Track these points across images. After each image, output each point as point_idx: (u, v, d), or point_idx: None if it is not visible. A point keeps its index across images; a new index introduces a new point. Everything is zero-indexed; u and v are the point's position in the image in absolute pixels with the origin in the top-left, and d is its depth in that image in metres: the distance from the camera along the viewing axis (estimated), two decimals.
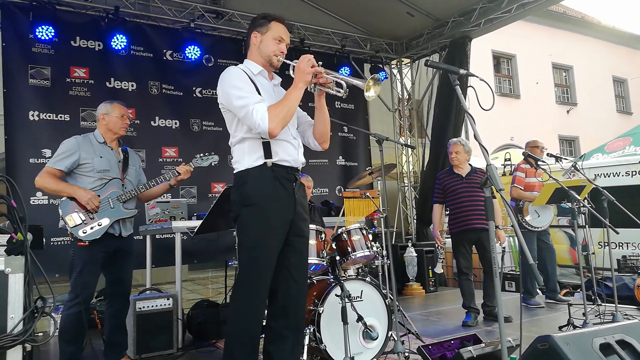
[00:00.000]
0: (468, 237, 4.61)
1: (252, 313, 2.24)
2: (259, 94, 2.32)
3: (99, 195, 3.22)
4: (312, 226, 3.34)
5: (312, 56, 2.33)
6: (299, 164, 2.45)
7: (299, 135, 2.54)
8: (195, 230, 3.44)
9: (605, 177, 7.38)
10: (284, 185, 2.34)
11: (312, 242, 3.27)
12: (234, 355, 2.21)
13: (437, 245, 4.88)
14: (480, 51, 15.94)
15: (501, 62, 17.46)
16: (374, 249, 3.49)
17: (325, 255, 3.32)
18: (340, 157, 7.66)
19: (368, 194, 3.89)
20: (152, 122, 6.14)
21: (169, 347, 3.80)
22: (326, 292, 3.10)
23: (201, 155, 3.53)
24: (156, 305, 3.79)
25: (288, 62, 2.42)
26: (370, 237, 3.53)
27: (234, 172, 2.40)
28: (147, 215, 4.66)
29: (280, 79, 2.57)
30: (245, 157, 2.34)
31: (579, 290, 5.77)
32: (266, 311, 2.42)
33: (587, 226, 4.65)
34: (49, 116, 5.49)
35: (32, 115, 5.38)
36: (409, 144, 3.59)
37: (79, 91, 5.69)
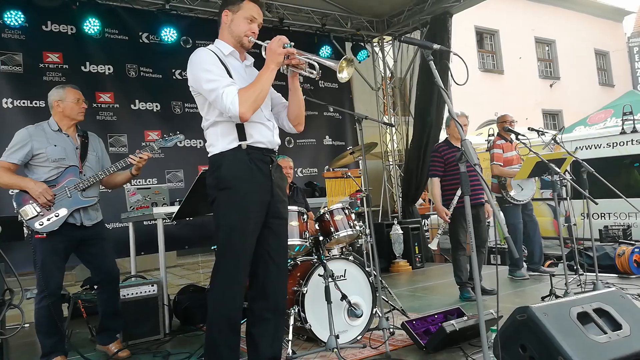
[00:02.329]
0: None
1: (231, 297, 2.22)
2: (230, 76, 2.26)
3: (54, 185, 3.12)
4: (294, 207, 3.34)
5: (284, 37, 2.27)
6: (274, 146, 2.41)
7: (273, 117, 2.49)
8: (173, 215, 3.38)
9: (586, 149, 7.45)
10: (260, 168, 2.31)
11: (295, 223, 3.27)
12: (215, 339, 2.21)
13: (437, 222, 4.80)
14: (463, 27, 15.88)
15: (484, 37, 17.42)
16: (357, 228, 3.49)
17: (307, 236, 3.31)
18: (327, 137, 7.63)
19: (349, 173, 3.87)
20: (132, 106, 6.02)
21: (155, 333, 3.79)
22: (309, 272, 3.10)
23: (165, 136, 3.41)
24: (140, 292, 3.77)
25: (260, 42, 2.36)
26: (353, 216, 3.53)
27: (209, 155, 2.36)
28: (128, 202, 4.60)
29: (253, 60, 2.50)
30: (219, 140, 2.30)
31: (562, 261, 5.86)
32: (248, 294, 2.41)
33: (568, 198, 4.71)
34: (24, 103, 5.34)
35: (6, 103, 5.24)
36: (389, 122, 3.53)
37: (54, 76, 5.53)
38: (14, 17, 5.16)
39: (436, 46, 2.05)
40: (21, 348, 4.03)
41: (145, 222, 5.30)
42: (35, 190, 3.03)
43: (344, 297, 3.05)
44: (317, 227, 3.48)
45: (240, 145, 2.27)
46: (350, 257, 3.31)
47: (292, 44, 2.28)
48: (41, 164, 3.15)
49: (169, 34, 6.01)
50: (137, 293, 3.75)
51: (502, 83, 17.08)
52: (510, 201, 5.31)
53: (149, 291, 3.80)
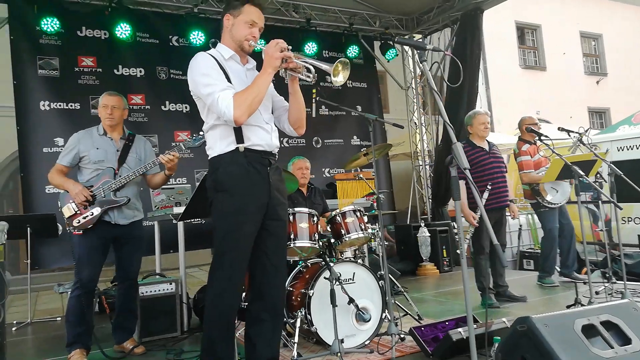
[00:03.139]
0: (493, 215, 4.38)
1: (227, 297, 2.25)
2: (229, 80, 2.27)
3: (91, 186, 3.31)
4: (304, 209, 3.34)
5: (282, 40, 2.26)
6: (272, 148, 2.41)
7: (274, 120, 2.49)
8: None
9: (628, 149, 7.08)
10: (258, 170, 2.31)
11: (305, 225, 3.26)
12: (211, 338, 2.25)
13: (453, 226, 4.64)
14: (503, 23, 15.43)
15: (525, 33, 16.85)
16: (369, 230, 3.45)
17: (317, 237, 3.30)
18: (355, 137, 7.59)
19: (361, 175, 3.82)
20: (162, 107, 6.19)
21: (172, 330, 3.88)
22: (316, 275, 3.09)
23: (194, 136, 3.47)
24: (159, 290, 3.87)
25: (260, 46, 2.36)
26: (365, 218, 3.49)
27: (208, 158, 2.38)
28: (153, 202, 4.73)
29: (255, 63, 2.50)
30: (217, 142, 2.33)
31: (597, 268, 5.61)
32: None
33: (600, 201, 4.49)
34: (60, 105, 5.59)
35: (43, 105, 5.50)
36: (399, 124, 3.42)
37: (88, 80, 5.77)
38: (51, 24, 5.42)
39: (429, 46, 1.99)
40: (50, 341, 4.23)
41: (174, 221, 5.45)
42: (72, 190, 3.26)
43: (351, 300, 3.02)
44: (329, 229, 3.46)
45: (237, 148, 2.29)
46: (360, 261, 3.27)
47: (291, 47, 2.27)
48: (86, 165, 3.39)
49: (197, 37, 6.15)
50: (155, 291, 3.86)
51: (545, 80, 16.46)
52: (546, 206, 5.07)
53: (167, 289, 3.90)
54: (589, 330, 2.01)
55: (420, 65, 7.73)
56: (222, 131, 2.31)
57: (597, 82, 17.72)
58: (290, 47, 2.27)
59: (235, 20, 2.38)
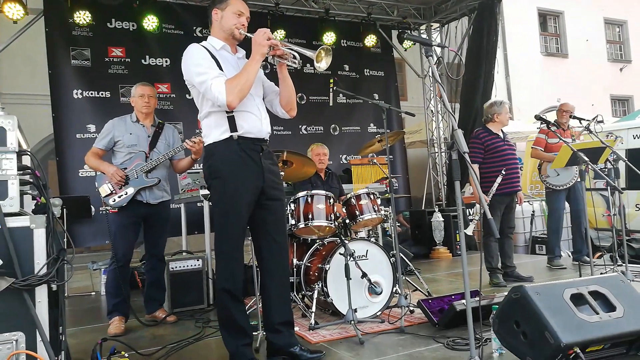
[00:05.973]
0: (505, 199, 4.63)
1: (230, 273, 2.50)
2: (220, 68, 2.45)
3: (126, 168, 3.62)
4: (321, 192, 3.59)
5: (268, 29, 2.45)
6: (264, 135, 2.61)
7: (265, 105, 2.69)
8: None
9: None
10: (251, 156, 2.51)
11: (322, 206, 3.51)
12: (225, 306, 2.52)
13: (468, 212, 4.82)
14: (525, 9, 15.30)
15: (547, 19, 16.67)
16: (382, 212, 3.68)
17: (333, 218, 3.54)
18: (372, 124, 7.78)
19: (375, 160, 4.04)
20: (187, 96, 6.42)
21: (199, 303, 4.19)
22: (332, 251, 3.34)
23: None
24: (187, 266, 4.18)
25: (250, 35, 2.51)
26: (379, 201, 3.72)
27: (204, 145, 2.60)
28: (180, 185, 5.03)
29: (244, 52, 2.67)
30: (212, 131, 2.52)
31: (606, 252, 5.75)
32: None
33: (608, 188, 4.63)
34: (91, 94, 5.92)
35: (76, 94, 5.84)
36: (409, 112, 3.60)
37: (117, 69, 6.09)
38: (83, 16, 5.74)
39: (435, 43, 2.19)
40: (87, 312, 4.59)
41: (198, 204, 5.76)
42: (108, 171, 3.58)
43: (364, 275, 3.27)
44: (344, 211, 3.71)
45: (231, 136, 2.49)
46: (372, 239, 3.51)
47: (276, 36, 2.47)
48: (119, 149, 3.70)
49: None
50: (184, 266, 4.17)
51: (567, 67, 16.29)
52: (548, 186, 5.27)
53: (194, 265, 4.21)
54: (578, 299, 2.21)
55: (438, 53, 7.89)
56: (216, 119, 2.50)
57: (621, 70, 17.45)
58: (276, 37, 2.48)
59: (224, 13, 2.56)
